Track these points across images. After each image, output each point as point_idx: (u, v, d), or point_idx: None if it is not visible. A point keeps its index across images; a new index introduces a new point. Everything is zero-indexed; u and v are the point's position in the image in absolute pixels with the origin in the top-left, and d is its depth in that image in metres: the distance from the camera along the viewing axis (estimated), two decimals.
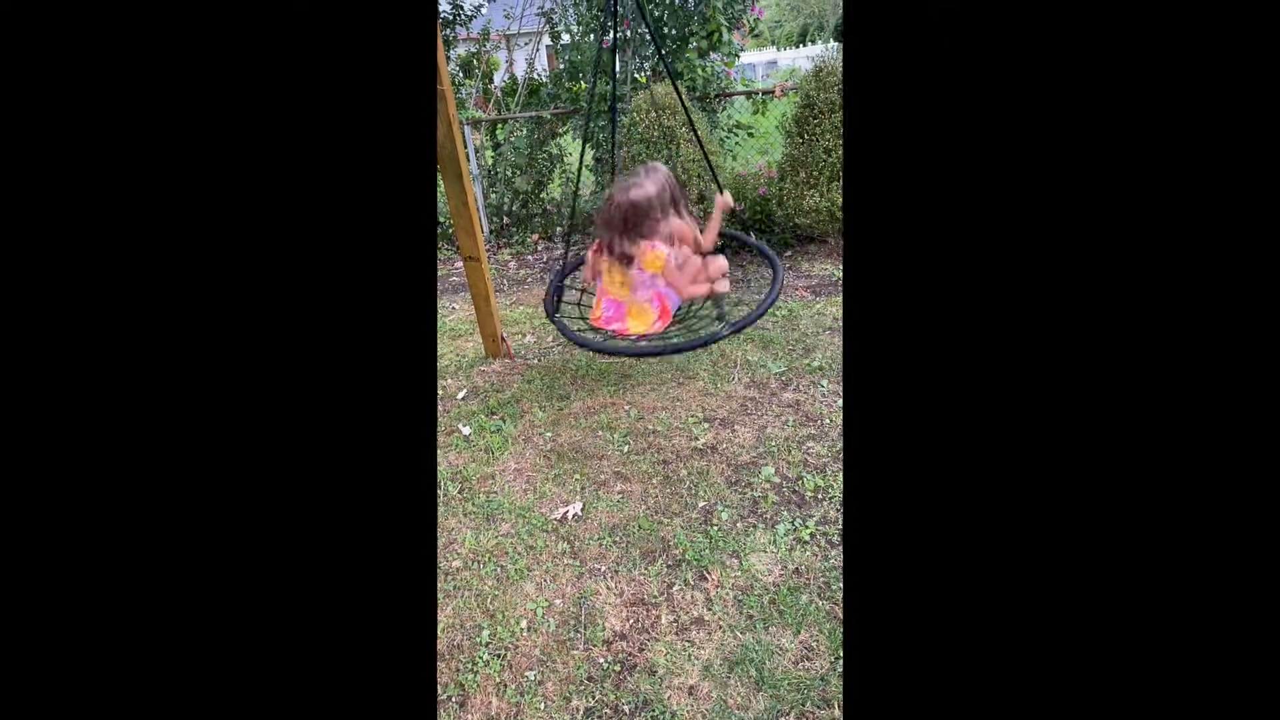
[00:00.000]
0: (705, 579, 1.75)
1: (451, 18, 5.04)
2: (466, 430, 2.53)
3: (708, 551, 1.83)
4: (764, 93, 4.63)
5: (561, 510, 2.05)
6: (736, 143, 4.82)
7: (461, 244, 2.82)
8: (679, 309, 2.57)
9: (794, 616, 1.60)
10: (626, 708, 1.44)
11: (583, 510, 2.05)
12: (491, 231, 5.07)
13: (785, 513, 1.95)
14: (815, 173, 3.69)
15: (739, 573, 1.75)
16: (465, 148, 3.30)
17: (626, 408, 2.58)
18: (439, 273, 4.61)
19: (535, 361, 3.08)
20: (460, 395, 2.81)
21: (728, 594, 1.69)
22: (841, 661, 1.48)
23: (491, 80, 5.57)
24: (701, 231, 2.57)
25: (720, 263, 2.56)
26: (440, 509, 2.11)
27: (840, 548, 1.81)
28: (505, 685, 1.51)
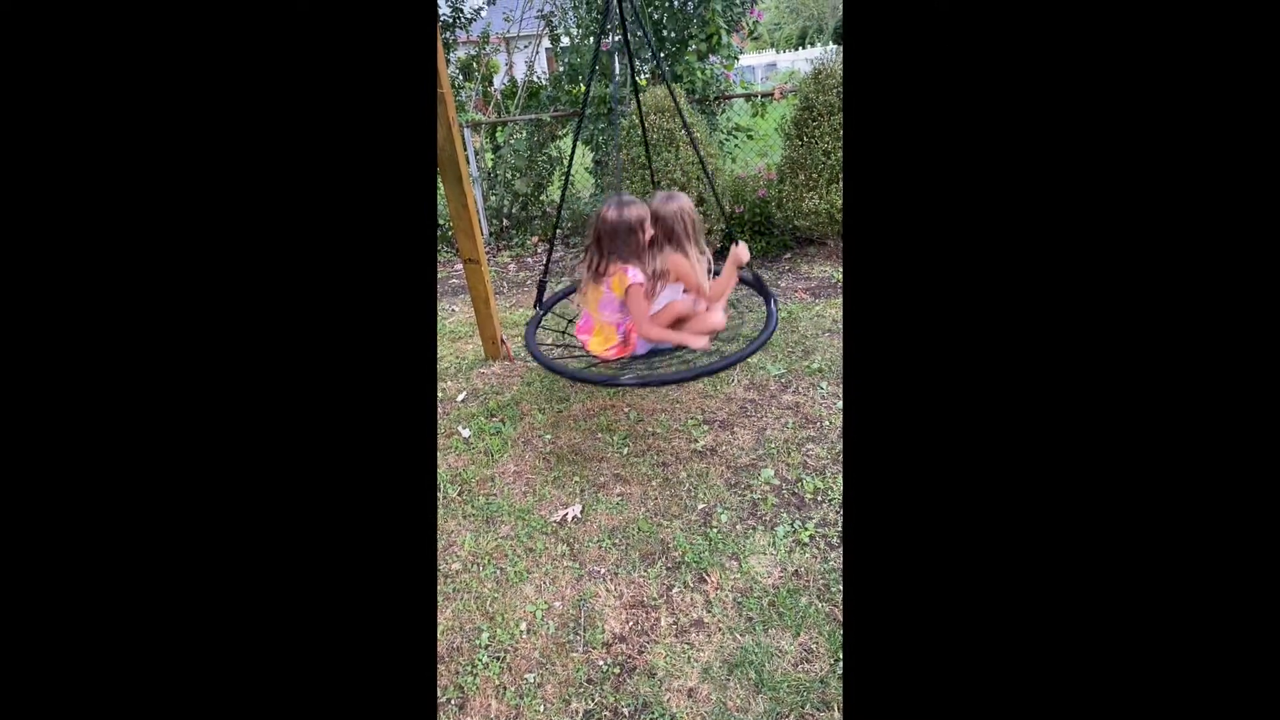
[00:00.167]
0: (705, 581, 1.74)
1: (451, 20, 5.05)
2: (466, 432, 2.53)
3: (707, 554, 1.83)
4: (763, 95, 4.65)
5: (561, 512, 2.05)
6: (736, 145, 4.83)
7: (461, 246, 2.82)
8: (650, 349, 2.34)
9: (793, 619, 1.60)
10: (626, 710, 1.44)
11: (582, 512, 2.05)
12: (491, 234, 5.07)
13: (785, 515, 1.95)
14: (814, 175, 3.70)
15: (738, 575, 1.75)
16: (465, 150, 3.30)
17: (626, 410, 2.58)
18: (438, 275, 4.61)
19: (535, 364, 3.07)
20: (460, 397, 2.81)
21: (727, 596, 1.69)
22: (841, 664, 1.48)
23: (491, 83, 5.58)
24: (711, 277, 2.32)
25: (715, 321, 2.28)
26: (440, 511, 2.11)
27: (840, 550, 1.81)
28: (505, 688, 1.51)
